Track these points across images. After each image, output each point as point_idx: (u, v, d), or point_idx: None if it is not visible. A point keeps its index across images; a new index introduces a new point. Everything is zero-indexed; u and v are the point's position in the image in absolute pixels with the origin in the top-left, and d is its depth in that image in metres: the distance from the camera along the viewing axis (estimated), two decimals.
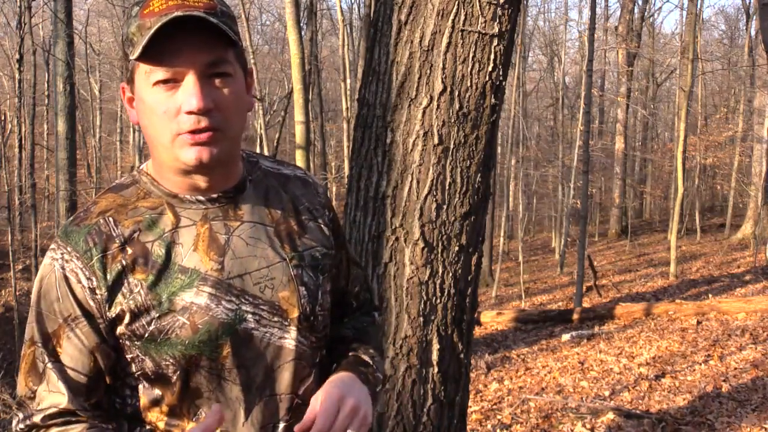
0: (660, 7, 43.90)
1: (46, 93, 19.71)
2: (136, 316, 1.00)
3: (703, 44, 21.88)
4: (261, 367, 1.07)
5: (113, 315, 1.01)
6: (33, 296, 1.02)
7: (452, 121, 2.02)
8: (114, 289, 1.00)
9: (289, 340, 1.09)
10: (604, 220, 24.75)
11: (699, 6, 17.04)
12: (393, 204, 2.05)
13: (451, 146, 2.03)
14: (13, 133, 17.78)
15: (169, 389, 1.04)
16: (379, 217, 2.07)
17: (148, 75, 0.97)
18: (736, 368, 5.88)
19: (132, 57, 0.97)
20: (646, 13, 23.34)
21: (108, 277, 1.00)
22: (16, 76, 13.46)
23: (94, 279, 1.00)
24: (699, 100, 22.16)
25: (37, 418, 1.00)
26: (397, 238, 2.05)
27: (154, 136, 1.01)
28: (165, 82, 0.97)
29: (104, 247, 1.01)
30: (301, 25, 10.31)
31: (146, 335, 1.01)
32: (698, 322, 8.11)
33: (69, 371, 1.00)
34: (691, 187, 21.20)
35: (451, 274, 2.08)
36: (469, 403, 4.45)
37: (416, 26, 2.03)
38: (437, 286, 2.07)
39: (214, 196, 1.07)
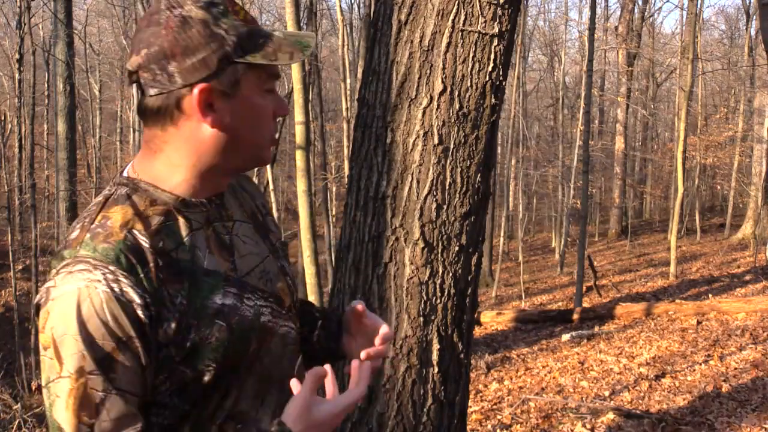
0: (660, 7, 43.82)
1: (46, 93, 19.70)
2: (180, 327, 1.00)
3: (703, 44, 21.89)
4: (274, 356, 1.13)
5: (163, 330, 0.99)
6: (66, 324, 0.94)
7: (452, 121, 2.02)
8: (161, 303, 0.98)
9: (288, 328, 1.17)
10: (604, 220, 24.75)
11: (699, 6, 17.05)
12: (393, 204, 2.05)
13: (451, 146, 2.03)
14: (13, 133, 17.78)
15: (201, 397, 1.04)
16: (379, 217, 2.07)
17: (263, 82, 1.05)
18: (736, 368, 5.88)
19: (262, 62, 1.03)
20: (646, 13, 23.34)
21: (155, 291, 0.98)
22: (16, 76, 13.46)
23: (146, 295, 0.97)
24: (699, 100, 22.16)
25: None
26: (397, 238, 2.05)
27: (252, 137, 1.07)
28: (272, 90, 1.08)
29: (144, 261, 0.98)
30: (301, 25, 10.30)
31: (189, 344, 1.00)
32: (698, 322, 8.11)
33: (128, 395, 0.96)
34: (691, 187, 21.19)
35: (451, 274, 2.08)
36: (469, 403, 4.45)
37: (416, 26, 2.03)
38: (437, 286, 2.07)
39: (211, 197, 1.10)
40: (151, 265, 0.98)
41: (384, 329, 1.24)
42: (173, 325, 0.99)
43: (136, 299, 0.96)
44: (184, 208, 1.06)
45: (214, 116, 1.02)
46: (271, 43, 1.03)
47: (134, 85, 1.05)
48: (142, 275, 0.97)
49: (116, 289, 0.95)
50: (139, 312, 0.96)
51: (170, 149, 1.04)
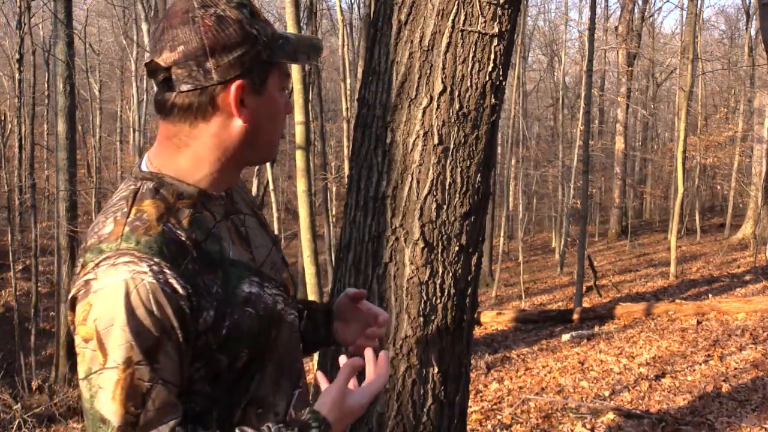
0: (660, 7, 43.79)
1: (46, 93, 19.70)
2: (217, 315, 1.03)
3: (703, 44, 21.87)
4: (286, 343, 1.18)
5: (203, 319, 1.01)
6: (112, 315, 0.95)
7: (452, 121, 2.02)
8: (200, 293, 1.01)
9: (294, 316, 1.22)
10: (604, 220, 24.75)
11: (699, 6, 17.05)
12: (393, 204, 2.05)
13: (451, 146, 2.03)
14: (13, 133, 17.77)
15: (231, 383, 1.08)
16: (379, 217, 2.07)
17: (282, 80, 1.11)
18: (736, 368, 5.87)
19: (285, 61, 1.10)
20: (646, 13, 23.34)
21: (194, 282, 1.01)
22: (16, 76, 13.46)
23: (188, 286, 0.99)
24: (699, 100, 22.15)
25: None
26: (397, 238, 2.04)
27: (268, 133, 1.12)
28: (285, 89, 1.14)
29: (183, 252, 1.01)
30: (301, 25, 10.30)
31: (224, 333, 1.04)
32: (698, 322, 8.11)
33: (170, 385, 0.99)
34: (691, 187, 21.19)
35: (451, 274, 2.08)
36: (469, 403, 4.44)
37: (416, 26, 2.03)
38: (437, 286, 2.07)
39: (226, 191, 1.15)
40: (189, 256, 1.01)
41: (382, 314, 1.31)
42: (212, 313, 1.02)
43: (180, 290, 0.98)
44: (207, 201, 1.09)
45: (245, 112, 1.06)
46: (289, 44, 1.09)
47: (161, 83, 1.05)
48: (182, 267, 1.00)
49: (162, 280, 0.96)
50: (182, 303, 0.98)
51: (197, 144, 1.07)
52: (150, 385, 0.96)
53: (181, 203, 1.06)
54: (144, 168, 1.09)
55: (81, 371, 0.97)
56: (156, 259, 0.97)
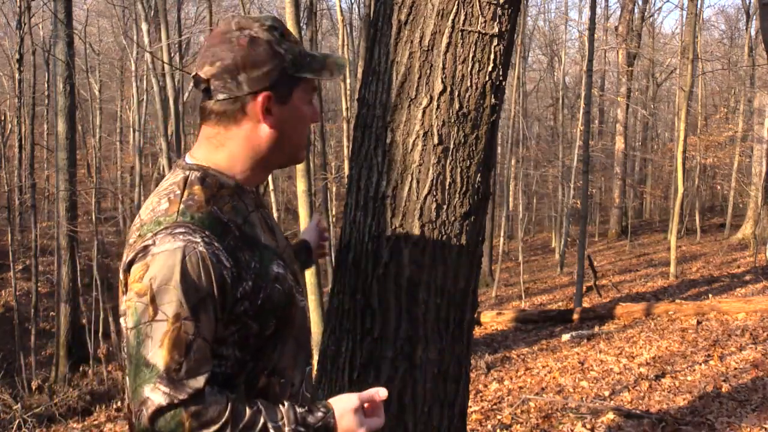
0: (660, 7, 43.80)
1: (46, 93, 19.70)
2: (254, 286, 1.20)
3: (703, 44, 21.86)
4: (300, 324, 1.33)
5: (242, 288, 1.18)
6: (167, 275, 1.11)
7: (452, 121, 2.02)
8: (240, 266, 1.19)
9: (305, 303, 1.37)
10: (604, 220, 24.75)
11: (699, 6, 17.04)
12: (393, 204, 2.05)
13: (451, 146, 2.02)
14: (13, 133, 17.78)
15: (258, 350, 1.24)
16: (379, 217, 2.07)
17: (308, 93, 1.30)
18: (736, 368, 5.87)
19: (310, 76, 1.27)
20: (646, 13, 23.33)
21: (235, 256, 1.18)
22: (16, 76, 13.47)
23: (231, 259, 1.17)
24: (699, 100, 22.14)
25: (199, 384, 1.11)
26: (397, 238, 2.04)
27: (295, 138, 1.30)
28: (311, 101, 1.32)
29: (227, 231, 1.20)
30: (301, 25, 10.30)
31: (259, 303, 1.21)
32: (698, 322, 8.11)
33: (206, 342, 1.14)
34: (691, 187, 21.18)
35: (451, 274, 2.08)
36: (469, 403, 4.44)
37: (416, 26, 2.03)
38: (437, 286, 2.07)
39: (256, 188, 1.34)
40: (231, 234, 1.20)
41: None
42: (250, 284, 1.19)
43: (224, 261, 1.16)
44: (241, 193, 1.28)
45: (271, 119, 1.26)
46: (316, 62, 1.28)
47: (203, 92, 1.25)
48: (226, 242, 1.18)
49: (210, 251, 1.14)
50: (224, 273, 1.15)
51: (231, 144, 1.26)
52: (193, 338, 1.11)
53: (222, 192, 1.24)
54: (189, 161, 1.28)
55: (130, 321, 1.12)
56: (207, 233, 1.15)
